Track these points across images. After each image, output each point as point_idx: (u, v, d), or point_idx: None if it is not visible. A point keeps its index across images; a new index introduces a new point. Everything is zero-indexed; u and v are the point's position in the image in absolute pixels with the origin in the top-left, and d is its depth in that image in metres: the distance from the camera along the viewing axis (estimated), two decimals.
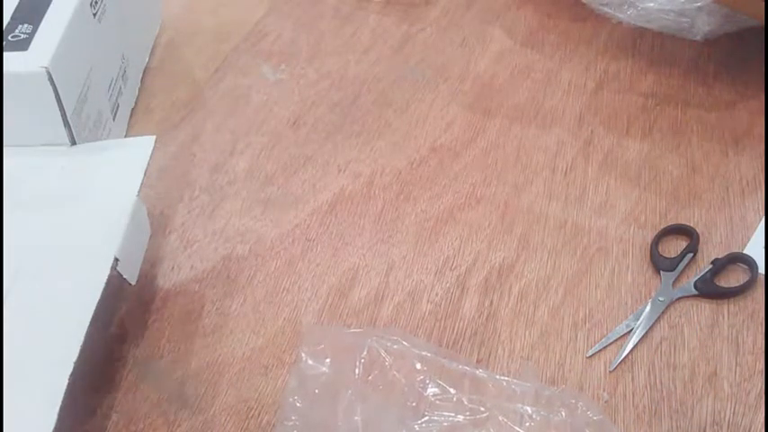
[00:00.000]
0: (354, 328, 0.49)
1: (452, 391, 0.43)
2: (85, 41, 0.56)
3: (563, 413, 0.42)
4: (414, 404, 0.43)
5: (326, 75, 0.69)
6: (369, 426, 0.42)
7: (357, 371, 0.44)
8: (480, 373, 0.45)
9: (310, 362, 0.44)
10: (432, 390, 0.44)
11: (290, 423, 0.42)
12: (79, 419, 0.45)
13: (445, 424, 0.42)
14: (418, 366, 0.44)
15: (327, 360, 0.44)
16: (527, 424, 0.42)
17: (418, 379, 0.44)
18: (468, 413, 0.43)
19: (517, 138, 0.62)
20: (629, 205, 0.56)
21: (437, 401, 0.43)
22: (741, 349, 0.47)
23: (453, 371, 0.45)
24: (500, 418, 0.42)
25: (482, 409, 0.43)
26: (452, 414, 0.42)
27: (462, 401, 0.43)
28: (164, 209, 0.57)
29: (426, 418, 0.42)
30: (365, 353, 0.45)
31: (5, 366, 0.39)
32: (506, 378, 0.45)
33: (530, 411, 0.43)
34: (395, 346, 0.45)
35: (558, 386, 0.45)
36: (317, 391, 0.43)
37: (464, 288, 0.51)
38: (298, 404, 0.43)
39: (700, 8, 0.61)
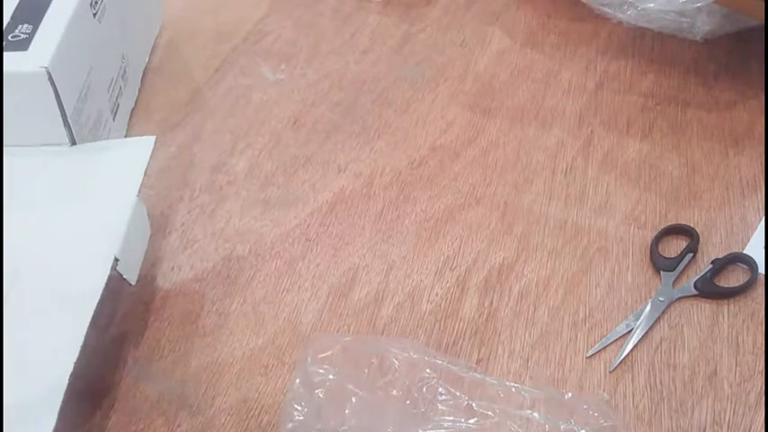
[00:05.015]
0: (362, 335, 0.49)
1: (462, 396, 0.43)
2: (85, 41, 0.55)
3: (573, 420, 0.42)
4: (422, 410, 0.43)
5: (326, 75, 0.69)
6: (375, 430, 0.42)
7: (365, 377, 0.44)
8: (490, 379, 0.45)
9: (316, 367, 0.44)
10: (441, 396, 0.43)
11: (292, 425, 0.42)
12: (79, 419, 0.45)
13: (453, 430, 0.42)
14: (428, 372, 0.44)
15: (334, 366, 0.44)
16: (536, 430, 0.42)
17: (427, 385, 0.44)
18: (477, 419, 0.42)
19: (517, 138, 0.62)
20: (629, 205, 0.56)
21: (446, 407, 0.43)
22: (741, 349, 0.47)
23: (463, 377, 0.45)
24: (509, 423, 0.42)
25: (491, 414, 0.42)
26: (461, 420, 0.42)
27: (472, 407, 0.43)
28: (164, 209, 0.57)
29: (435, 423, 0.42)
30: (374, 360, 0.44)
31: (6, 366, 0.39)
32: (516, 384, 0.45)
33: (538, 417, 0.42)
34: (404, 354, 0.45)
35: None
36: (321, 396, 0.43)
37: (464, 288, 0.51)
38: (300, 407, 0.42)
39: (700, 8, 0.61)
